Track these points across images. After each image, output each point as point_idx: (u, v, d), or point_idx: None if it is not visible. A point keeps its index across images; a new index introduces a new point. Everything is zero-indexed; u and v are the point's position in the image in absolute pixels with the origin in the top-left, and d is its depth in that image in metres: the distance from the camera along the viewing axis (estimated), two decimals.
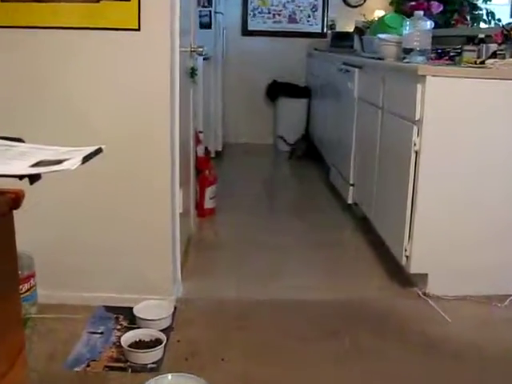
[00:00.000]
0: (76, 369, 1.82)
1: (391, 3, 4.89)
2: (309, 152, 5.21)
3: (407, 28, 2.76)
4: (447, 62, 2.77)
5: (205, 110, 4.49)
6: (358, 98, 3.43)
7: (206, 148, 3.61)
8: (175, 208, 2.30)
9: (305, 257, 2.89)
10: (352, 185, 3.55)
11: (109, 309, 2.22)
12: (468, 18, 4.25)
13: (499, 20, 4.20)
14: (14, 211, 0.87)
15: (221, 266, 2.76)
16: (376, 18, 4.72)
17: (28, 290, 2.03)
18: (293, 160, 5.27)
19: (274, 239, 3.12)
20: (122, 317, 2.18)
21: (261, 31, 5.80)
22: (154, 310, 2.15)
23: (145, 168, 2.16)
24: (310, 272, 2.70)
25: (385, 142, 2.84)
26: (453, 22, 4.17)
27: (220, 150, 5.18)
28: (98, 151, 0.88)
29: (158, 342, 1.95)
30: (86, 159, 0.84)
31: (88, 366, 1.84)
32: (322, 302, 2.34)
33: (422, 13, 2.75)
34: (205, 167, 3.45)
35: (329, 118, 4.42)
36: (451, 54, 2.92)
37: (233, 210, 3.60)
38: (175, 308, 2.24)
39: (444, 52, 2.99)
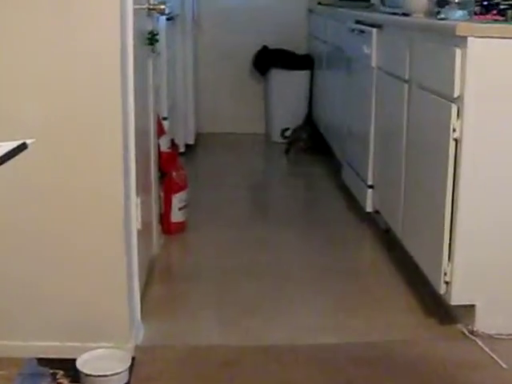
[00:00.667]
0: None
1: None
2: (313, 143, 5.31)
3: None
4: (496, 18, 2.79)
5: (170, 90, 4.51)
6: (377, 68, 3.48)
7: (173, 141, 3.64)
8: (131, 224, 2.32)
9: (310, 286, 2.95)
10: (371, 187, 3.59)
11: (43, 362, 2.24)
12: None
13: None
14: None
15: (195, 301, 2.80)
16: None
17: None
18: (291, 155, 5.36)
19: (268, 263, 3.16)
20: (61, 373, 2.21)
21: None
22: (105, 362, 2.16)
23: (88, 170, 2.18)
24: (318, 307, 2.75)
25: (413, 128, 2.88)
26: None
27: (192, 143, 5.26)
28: (22, 147, 0.88)
29: None
30: (4, 158, 0.83)
31: None
32: (335, 347, 2.39)
33: None
34: (171, 167, 3.47)
35: (338, 96, 4.48)
36: (501, 6, 2.93)
37: (210, 225, 3.66)
38: (133, 359, 2.26)
39: (492, 4, 2.99)
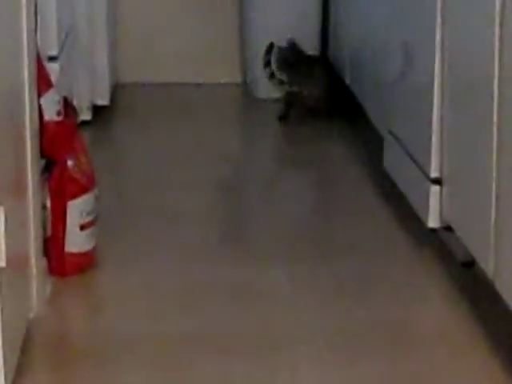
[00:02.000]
0: None
1: None
2: (331, 98, 4.34)
3: None
4: None
5: (63, 4, 3.63)
6: None
7: (68, 101, 2.99)
8: None
9: None
10: (437, 182, 2.90)
11: None
12: None
13: None
14: None
15: None
16: None
17: None
18: (291, 122, 4.41)
19: (247, 333, 2.56)
20: None
21: None
22: None
23: None
24: None
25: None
26: None
27: (105, 103, 4.22)
28: None
29: None
30: None
31: None
32: None
33: None
34: (64, 150, 2.85)
35: (378, 9, 3.69)
36: None
37: (140, 257, 2.94)
38: None
39: None
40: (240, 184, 3.81)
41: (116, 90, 4.48)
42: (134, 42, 4.84)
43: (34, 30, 2.56)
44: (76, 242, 2.79)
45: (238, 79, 4.80)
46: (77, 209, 2.78)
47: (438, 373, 2.33)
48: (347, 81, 4.21)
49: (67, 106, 2.90)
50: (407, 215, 3.09)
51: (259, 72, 4.56)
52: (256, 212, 3.49)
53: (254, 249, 3.07)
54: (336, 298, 2.68)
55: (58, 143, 2.77)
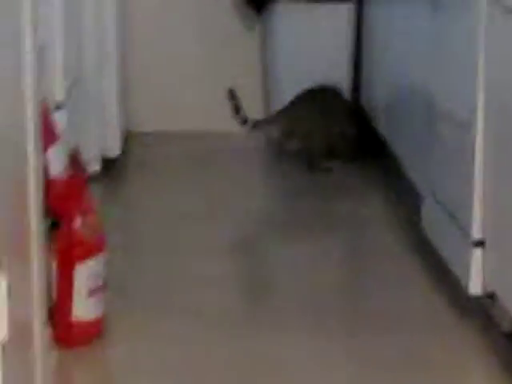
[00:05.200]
0: None
1: None
2: (362, 148, 4.16)
3: None
4: None
5: (71, 51, 3.49)
6: (491, 2, 2.78)
7: (76, 154, 2.88)
8: None
9: None
10: (479, 244, 2.81)
11: None
12: None
13: None
14: None
15: None
16: None
17: None
18: (321, 172, 4.18)
19: None
20: None
21: None
22: None
23: None
24: None
25: None
26: None
27: (115, 154, 4.13)
28: None
29: None
30: None
31: None
32: None
33: None
34: (71, 208, 2.76)
35: (415, 56, 3.61)
36: None
37: (153, 325, 2.78)
38: None
39: None
40: (262, 244, 3.69)
41: (127, 139, 4.36)
42: (147, 88, 4.73)
43: (36, 78, 2.29)
44: (84, 309, 2.68)
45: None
46: (85, 273, 2.66)
47: None
48: (381, 130, 4.10)
49: (75, 160, 2.81)
50: (447, 281, 2.97)
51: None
52: (282, 272, 3.38)
53: (279, 314, 2.94)
54: (369, 377, 2.54)
55: (65, 201, 2.68)
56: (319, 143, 4.06)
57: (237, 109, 4.09)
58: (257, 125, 4.10)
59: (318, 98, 4.21)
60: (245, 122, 4.05)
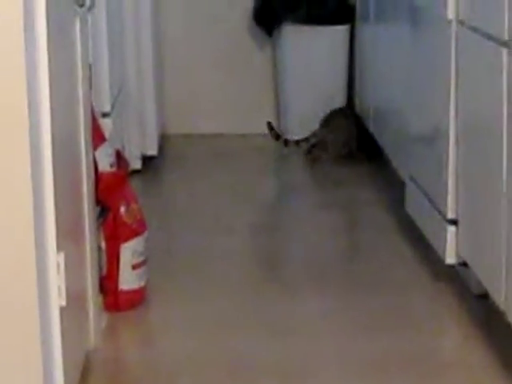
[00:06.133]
0: None
1: None
2: (358, 147, 4.58)
3: None
4: None
5: (114, 68, 3.77)
6: (458, 23, 2.99)
7: (120, 153, 3.11)
8: (48, 298, 2.04)
9: None
10: (453, 222, 3.03)
11: None
12: None
13: None
14: None
15: None
16: None
17: None
18: (320, 167, 4.58)
19: (288, 359, 2.68)
20: None
21: None
22: None
23: None
24: None
25: None
26: None
27: (153, 153, 4.45)
28: None
29: None
30: None
31: None
32: None
33: None
34: (117, 198, 2.97)
35: (397, 70, 3.89)
36: None
37: (186, 294, 3.08)
38: None
39: None
40: (277, 226, 4.04)
41: (163, 140, 4.69)
42: (180, 95, 5.07)
43: (89, 91, 2.68)
44: (128, 280, 2.96)
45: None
46: (129, 250, 2.94)
47: None
48: (371, 129, 4.49)
49: (119, 158, 3.07)
50: (427, 253, 3.29)
51: (291, 125, 4.89)
52: (293, 248, 3.75)
53: (292, 282, 3.32)
54: (364, 329, 2.86)
55: (111, 192, 2.93)
56: (334, 150, 4.54)
57: (277, 136, 4.67)
58: (288, 143, 4.63)
59: (334, 119, 4.64)
60: (281, 139, 4.63)
